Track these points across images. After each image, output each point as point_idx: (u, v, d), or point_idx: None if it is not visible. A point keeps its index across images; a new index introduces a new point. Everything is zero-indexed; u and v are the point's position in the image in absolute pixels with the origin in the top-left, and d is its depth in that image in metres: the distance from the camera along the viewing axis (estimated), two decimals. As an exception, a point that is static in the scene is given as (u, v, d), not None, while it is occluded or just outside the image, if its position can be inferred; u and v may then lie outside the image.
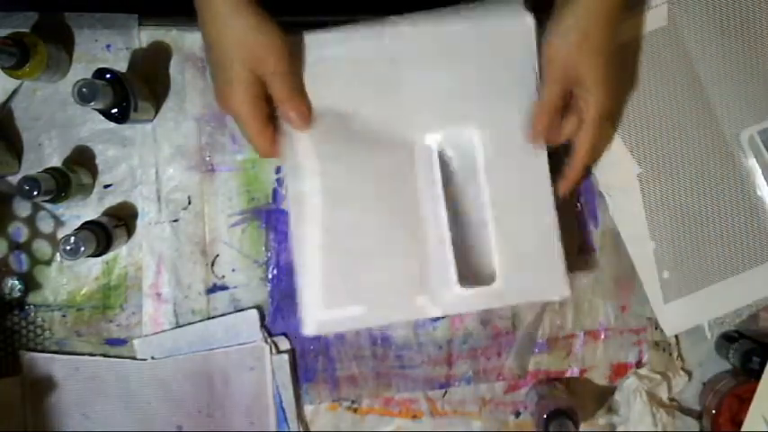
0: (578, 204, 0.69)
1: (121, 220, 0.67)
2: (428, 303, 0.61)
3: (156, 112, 0.67)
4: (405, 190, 0.62)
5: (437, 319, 0.69)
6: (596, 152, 0.67)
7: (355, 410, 0.70)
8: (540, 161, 0.62)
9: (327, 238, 0.61)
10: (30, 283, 0.67)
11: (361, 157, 0.62)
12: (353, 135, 0.62)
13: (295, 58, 0.59)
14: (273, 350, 0.68)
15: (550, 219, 0.61)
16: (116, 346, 0.68)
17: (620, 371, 0.70)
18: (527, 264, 0.61)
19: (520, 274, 0.61)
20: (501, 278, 0.61)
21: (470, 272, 0.62)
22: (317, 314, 0.61)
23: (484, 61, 0.62)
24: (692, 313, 0.69)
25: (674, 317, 0.69)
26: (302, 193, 0.61)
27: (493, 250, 0.61)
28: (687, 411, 0.70)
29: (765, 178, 0.67)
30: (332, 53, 0.62)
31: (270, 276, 0.68)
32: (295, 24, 0.60)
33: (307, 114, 0.60)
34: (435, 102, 0.62)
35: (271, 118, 0.60)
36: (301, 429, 0.69)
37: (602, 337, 0.70)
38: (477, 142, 0.62)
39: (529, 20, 0.61)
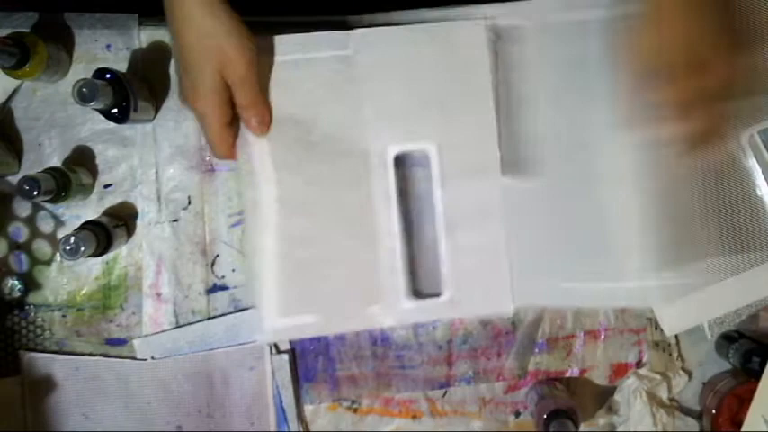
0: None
1: (121, 220, 0.67)
2: (380, 313, 0.62)
3: (156, 112, 0.67)
4: (360, 201, 0.62)
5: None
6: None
7: (355, 410, 0.70)
8: (492, 179, 0.62)
9: (282, 246, 0.61)
10: (30, 283, 0.67)
11: (317, 166, 0.62)
12: (311, 144, 0.62)
13: (259, 62, 0.58)
14: (273, 350, 0.68)
15: (500, 236, 0.62)
16: (116, 346, 0.68)
17: (620, 371, 0.70)
18: (475, 279, 0.63)
19: (468, 289, 0.62)
20: (449, 291, 0.62)
21: (422, 283, 0.63)
22: (273, 322, 0.61)
23: (443, 78, 0.63)
24: (692, 313, 0.69)
25: (674, 317, 0.69)
26: (257, 201, 0.61)
27: (442, 264, 0.63)
28: (687, 411, 0.70)
29: (765, 178, 0.67)
30: (293, 59, 0.62)
31: (270, 276, 0.68)
32: (258, 24, 0.60)
33: (268, 120, 0.60)
34: (394, 115, 0.63)
35: (233, 121, 0.59)
36: (301, 429, 0.69)
37: (602, 337, 0.70)
38: (432, 157, 0.63)
39: (488, 40, 0.62)
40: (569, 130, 0.63)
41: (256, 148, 0.61)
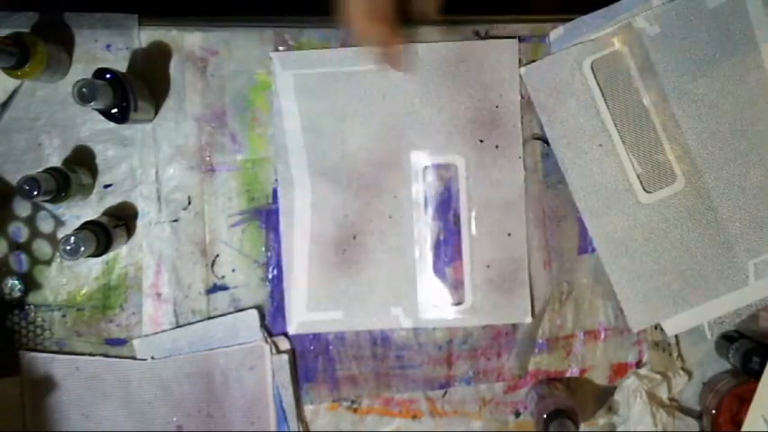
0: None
1: (121, 220, 0.67)
2: (401, 314, 0.68)
3: (156, 112, 0.67)
4: (389, 208, 0.67)
5: (437, 319, 0.70)
6: None
7: (355, 410, 0.70)
8: (517, 194, 0.67)
9: (314, 247, 0.67)
10: (30, 283, 0.67)
11: (350, 174, 0.67)
12: (345, 153, 0.67)
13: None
14: (273, 350, 0.68)
15: (522, 248, 0.67)
16: (116, 346, 0.68)
17: (620, 371, 0.70)
18: (497, 289, 0.68)
19: (490, 298, 0.68)
20: (471, 299, 0.67)
21: (444, 290, 0.68)
22: (300, 316, 0.67)
23: (476, 95, 0.67)
24: (692, 313, 0.69)
25: (674, 317, 0.69)
26: (293, 205, 0.67)
27: (465, 273, 0.67)
28: (687, 411, 0.70)
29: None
30: (333, 71, 0.66)
31: (270, 276, 0.68)
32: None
33: None
34: (426, 128, 0.67)
35: None
36: (301, 429, 0.69)
37: (602, 337, 0.70)
38: (461, 170, 0.67)
39: (517, 63, 0.66)
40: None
41: (293, 156, 0.67)
